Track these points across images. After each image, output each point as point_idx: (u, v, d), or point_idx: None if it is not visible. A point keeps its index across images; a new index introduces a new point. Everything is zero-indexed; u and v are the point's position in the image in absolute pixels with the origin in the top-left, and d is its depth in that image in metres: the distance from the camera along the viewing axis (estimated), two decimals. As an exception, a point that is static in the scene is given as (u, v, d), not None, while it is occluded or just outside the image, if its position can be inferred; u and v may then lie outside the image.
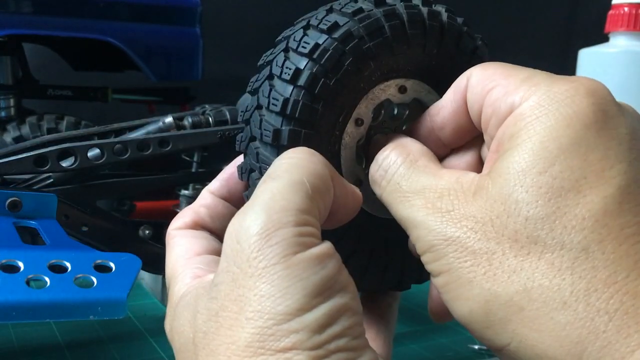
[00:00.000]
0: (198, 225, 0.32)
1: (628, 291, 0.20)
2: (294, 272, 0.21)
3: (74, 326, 0.51)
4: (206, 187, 0.34)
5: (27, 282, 0.33)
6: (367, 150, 0.31)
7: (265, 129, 0.28)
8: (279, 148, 0.28)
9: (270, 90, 0.28)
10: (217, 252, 0.30)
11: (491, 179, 0.23)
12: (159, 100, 0.75)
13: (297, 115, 0.28)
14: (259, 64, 0.31)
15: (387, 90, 0.31)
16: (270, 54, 0.30)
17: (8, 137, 0.60)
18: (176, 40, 0.66)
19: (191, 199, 0.56)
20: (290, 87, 0.28)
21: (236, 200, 0.33)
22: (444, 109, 0.28)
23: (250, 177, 0.30)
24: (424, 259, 0.24)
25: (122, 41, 0.62)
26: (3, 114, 0.64)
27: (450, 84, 0.28)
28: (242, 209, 0.23)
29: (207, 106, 0.55)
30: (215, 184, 0.33)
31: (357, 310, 0.23)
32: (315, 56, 0.28)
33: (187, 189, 0.57)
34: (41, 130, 0.61)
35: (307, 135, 0.28)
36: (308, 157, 0.25)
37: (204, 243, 0.31)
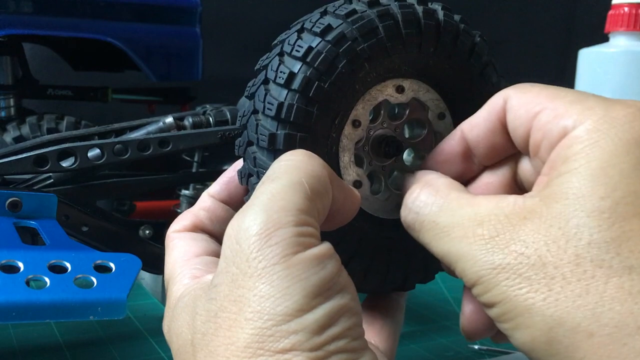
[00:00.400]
0: (197, 229, 0.32)
1: None
2: (293, 272, 0.21)
3: (74, 326, 0.51)
4: (206, 191, 0.34)
5: (27, 283, 0.33)
6: (367, 152, 0.31)
7: (261, 134, 0.28)
8: (275, 152, 0.28)
9: (266, 94, 0.29)
10: (216, 254, 0.30)
11: (544, 203, 0.23)
12: (159, 100, 0.75)
13: (292, 119, 0.28)
14: (255, 68, 0.31)
15: (385, 90, 0.30)
16: (266, 58, 0.30)
17: (8, 137, 0.60)
18: (176, 40, 0.66)
19: (191, 199, 0.56)
20: (285, 91, 0.28)
21: (236, 203, 0.33)
22: (477, 127, 0.28)
23: (249, 181, 0.30)
24: (474, 291, 0.24)
25: (122, 41, 0.62)
26: (3, 114, 0.64)
27: (449, 82, 0.28)
28: (242, 209, 0.23)
29: (207, 106, 0.55)
30: (216, 187, 0.33)
31: (357, 311, 0.23)
32: (308, 59, 0.28)
33: (187, 189, 0.56)
34: (41, 130, 0.61)
35: (303, 139, 0.28)
36: (306, 159, 0.25)
37: (203, 245, 0.31)
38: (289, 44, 0.29)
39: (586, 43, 0.69)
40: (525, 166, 0.27)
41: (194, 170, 0.53)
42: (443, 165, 0.29)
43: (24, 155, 0.43)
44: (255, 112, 0.29)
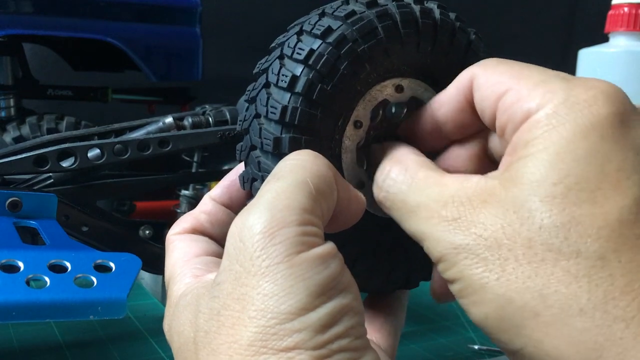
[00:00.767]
0: (197, 231, 0.32)
1: None
2: (297, 271, 0.21)
3: (74, 326, 0.51)
4: (207, 194, 0.34)
5: (27, 282, 0.33)
6: (368, 154, 0.31)
7: (265, 138, 0.28)
8: (280, 156, 0.28)
9: (268, 98, 0.28)
10: (217, 255, 0.30)
11: (503, 186, 0.23)
12: (159, 101, 0.75)
13: (296, 123, 0.28)
14: (254, 71, 0.30)
15: (384, 90, 0.30)
16: (265, 61, 0.30)
17: (8, 137, 0.60)
18: (176, 40, 0.66)
19: (191, 199, 0.56)
20: (288, 95, 0.28)
21: (237, 207, 0.33)
22: (445, 105, 0.28)
23: (253, 186, 0.30)
24: (439, 268, 0.24)
25: (122, 41, 0.62)
26: (3, 114, 0.64)
27: (448, 80, 0.28)
28: (246, 207, 0.23)
29: (207, 106, 0.55)
30: (217, 191, 0.33)
31: (359, 310, 0.23)
32: (310, 62, 0.28)
33: (187, 189, 0.57)
34: (41, 130, 0.61)
35: (308, 142, 0.28)
36: (312, 159, 0.25)
37: (203, 245, 0.31)
38: (289, 46, 0.29)
39: (586, 43, 0.69)
40: (495, 140, 0.28)
41: (193, 170, 0.53)
42: (413, 141, 0.30)
43: (24, 155, 0.43)
44: (257, 116, 0.29)
